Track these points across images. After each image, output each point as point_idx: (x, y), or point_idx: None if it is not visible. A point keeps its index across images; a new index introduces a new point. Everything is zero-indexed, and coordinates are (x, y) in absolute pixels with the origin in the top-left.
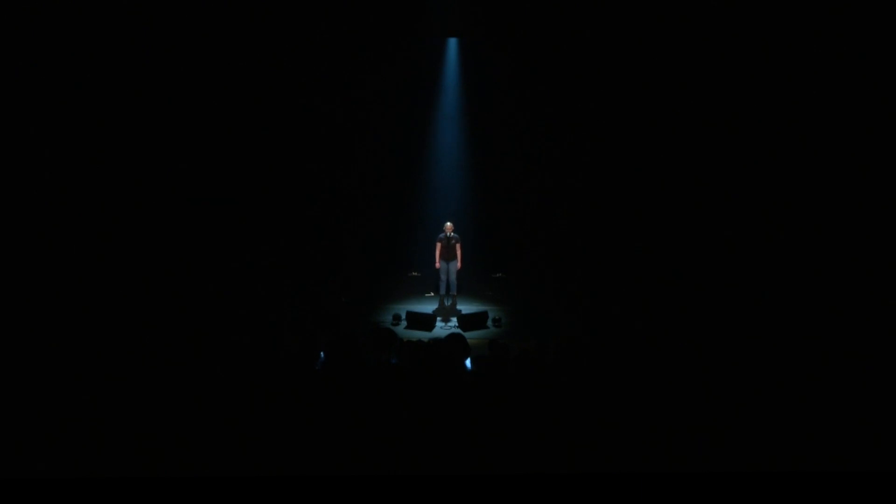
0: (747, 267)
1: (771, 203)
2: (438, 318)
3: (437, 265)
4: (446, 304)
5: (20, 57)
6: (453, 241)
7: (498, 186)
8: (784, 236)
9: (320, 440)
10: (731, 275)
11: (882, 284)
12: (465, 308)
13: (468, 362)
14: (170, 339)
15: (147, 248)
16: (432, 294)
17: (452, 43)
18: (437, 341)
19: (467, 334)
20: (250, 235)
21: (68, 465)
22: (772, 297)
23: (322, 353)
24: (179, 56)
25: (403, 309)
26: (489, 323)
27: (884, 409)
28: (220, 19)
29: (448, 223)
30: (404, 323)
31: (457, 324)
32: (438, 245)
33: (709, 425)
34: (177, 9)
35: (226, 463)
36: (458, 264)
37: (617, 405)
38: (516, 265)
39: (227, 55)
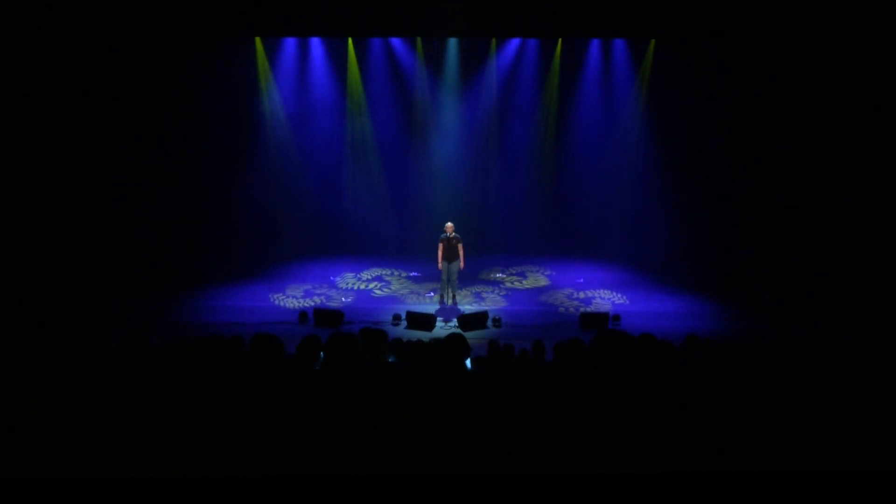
0: None
1: None
2: (439, 318)
3: (440, 266)
4: (447, 303)
5: None
6: (454, 241)
7: None
8: None
9: (320, 440)
10: None
11: None
12: (467, 308)
13: (468, 362)
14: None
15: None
16: (432, 294)
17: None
18: (437, 341)
19: (467, 334)
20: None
21: (69, 465)
22: None
23: (322, 354)
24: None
25: (403, 309)
26: (489, 323)
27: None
28: None
29: (449, 223)
30: (404, 323)
31: (457, 324)
32: (441, 245)
33: (709, 426)
34: None
35: (226, 463)
36: (461, 264)
37: (617, 405)
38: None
39: None
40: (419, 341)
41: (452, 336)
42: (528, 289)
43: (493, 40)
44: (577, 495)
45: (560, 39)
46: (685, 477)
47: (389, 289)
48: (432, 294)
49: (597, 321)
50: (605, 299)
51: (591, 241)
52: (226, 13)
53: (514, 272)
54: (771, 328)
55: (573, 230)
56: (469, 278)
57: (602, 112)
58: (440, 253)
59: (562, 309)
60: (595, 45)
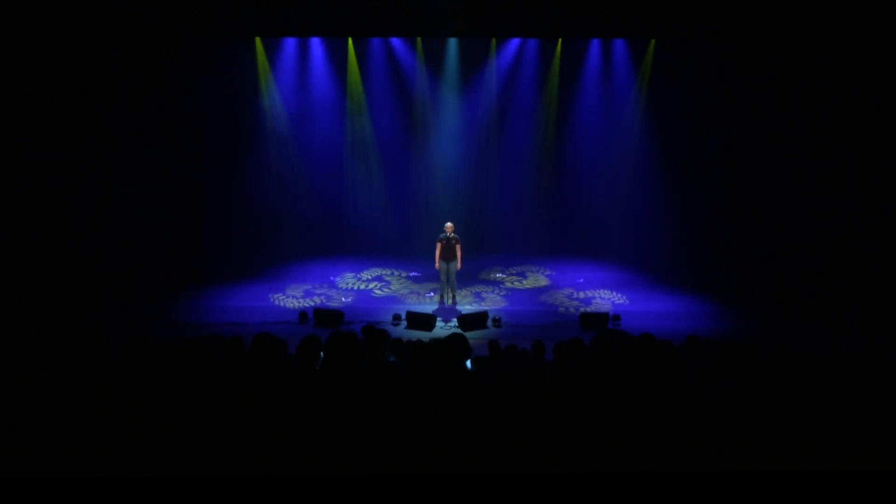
0: None
1: None
2: (439, 318)
3: (437, 266)
4: (446, 303)
5: None
6: (453, 242)
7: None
8: None
9: (320, 440)
10: None
11: None
12: (466, 308)
13: (468, 363)
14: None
15: None
16: (432, 294)
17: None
18: (437, 341)
19: (467, 334)
20: None
21: (69, 465)
22: None
23: (322, 353)
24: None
25: (403, 309)
26: (489, 323)
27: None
28: None
29: (448, 223)
30: (404, 323)
31: (457, 324)
32: (439, 245)
33: (709, 426)
34: None
35: (226, 463)
36: (459, 264)
37: (617, 405)
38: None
39: None
40: (419, 341)
41: (453, 336)
42: (528, 289)
43: (493, 40)
44: (577, 495)
45: (560, 39)
46: (685, 477)
47: (389, 289)
48: (432, 294)
49: (597, 321)
50: (605, 299)
51: (591, 241)
52: (226, 13)
53: (514, 272)
54: (771, 328)
55: (573, 230)
56: (469, 278)
57: (602, 112)
58: (437, 252)
59: (562, 309)
60: (595, 45)
